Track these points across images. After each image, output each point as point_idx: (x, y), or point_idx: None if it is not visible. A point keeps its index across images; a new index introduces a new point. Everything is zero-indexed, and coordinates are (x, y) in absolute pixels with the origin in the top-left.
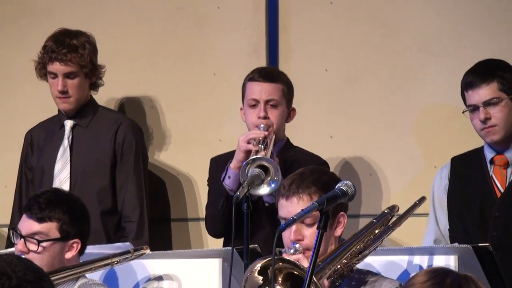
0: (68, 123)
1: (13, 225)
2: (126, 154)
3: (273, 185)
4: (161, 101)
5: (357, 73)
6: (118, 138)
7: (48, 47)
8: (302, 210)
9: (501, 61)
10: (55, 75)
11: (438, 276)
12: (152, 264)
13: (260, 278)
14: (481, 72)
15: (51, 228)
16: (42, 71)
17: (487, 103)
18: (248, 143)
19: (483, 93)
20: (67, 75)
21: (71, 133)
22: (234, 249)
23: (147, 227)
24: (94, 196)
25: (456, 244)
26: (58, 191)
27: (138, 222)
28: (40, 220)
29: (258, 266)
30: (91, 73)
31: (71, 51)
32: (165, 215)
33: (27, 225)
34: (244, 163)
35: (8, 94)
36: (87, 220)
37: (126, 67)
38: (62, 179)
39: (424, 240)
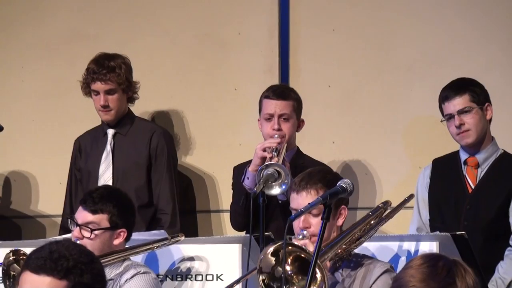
0: (110, 132)
1: (64, 215)
2: (159, 157)
3: (283, 187)
4: (189, 112)
5: (355, 88)
6: (152, 144)
7: (91, 69)
8: (309, 203)
9: (472, 79)
10: (97, 92)
11: (432, 260)
12: (184, 248)
13: (273, 259)
14: (455, 87)
15: (102, 219)
16: (87, 90)
17: (461, 112)
18: (264, 150)
19: (457, 103)
20: (107, 92)
21: (112, 140)
22: (252, 236)
23: (179, 218)
24: (132, 193)
25: (437, 233)
26: (110, 188)
27: (171, 214)
28: (94, 212)
29: (271, 249)
30: (128, 89)
31: (109, 71)
32: (192, 207)
33: (82, 215)
34: (259, 168)
35: (62, 108)
36: (133, 213)
37: (160, 83)
38: (106, 178)
39: (409, 229)
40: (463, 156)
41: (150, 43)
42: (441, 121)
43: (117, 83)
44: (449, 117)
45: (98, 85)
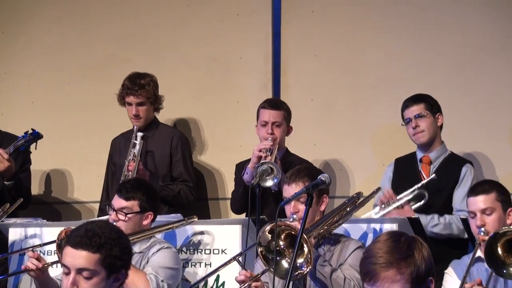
0: (139, 134)
1: (101, 202)
2: (178, 153)
3: (275, 180)
4: (201, 120)
5: (333, 101)
6: (173, 144)
7: (125, 85)
8: (295, 192)
9: (428, 94)
10: (130, 104)
11: (396, 236)
12: (197, 228)
13: (269, 236)
14: (414, 98)
15: (134, 204)
16: (122, 101)
17: (417, 116)
18: (260, 151)
19: (415, 109)
20: (139, 104)
21: (141, 141)
22: (250, 219)
23: (196, 203)
24: (154, 178)
25: (396, 216)
26: (139, 179)
27: (187, 178)
28: (127, 199)
29: (268, 227)
30: (154, 102)
31: (140, 88)
32: (205, 196)
33: (118, 202)
34: (256, 165)
35: (100, 116)
36: (158, 199)
37: (179, 97)
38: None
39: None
40: (419, 154)
41: (172, 65)
42: (402, 124)
43: (146, 97)
44: (408, 121)
45: (131, 99)
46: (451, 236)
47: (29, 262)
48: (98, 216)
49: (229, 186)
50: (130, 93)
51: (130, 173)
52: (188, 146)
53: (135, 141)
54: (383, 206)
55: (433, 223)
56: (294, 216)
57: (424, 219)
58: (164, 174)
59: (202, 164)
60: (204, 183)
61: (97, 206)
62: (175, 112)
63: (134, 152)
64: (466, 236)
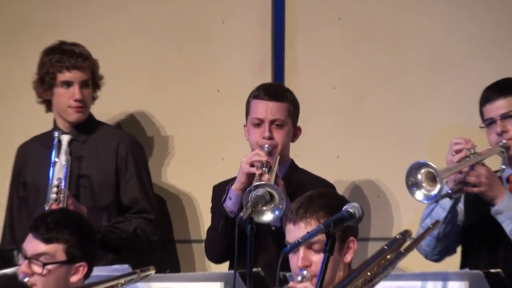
0: (65, 138)
1: (2, 246)
2: (129, 171)
3: (277, 213)
4: (163, 118)
5: (365, 90)
6: (120, 154)
7: (58, 58)
8: (308, 232)
9: None
10: (69, 84)
11: None
12: (154, 286)
13: None
14: (500, 87)
15: (57, 250)
16: (47, 84)
17: (504, 116)
18: (252, 165)
19: (501, 104)
20: (83, 84)
21: (68, 149)
22: (237, 273)
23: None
24: (96, 215)
25: (467, 270)
26: (67, 211)
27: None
28: (47, 241)
29: None
30: (97, 84)
31: (85, 59)
32: (169, 235)
33: (33, 245)
34: (247, 190)
35: (4, 111)
36: (95, 243)
37: (126, 82)
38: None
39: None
40: (508, 172)
41: (112, 34)
42: (480, 127)
43: (92, 73)
44: (490, 122)
45: (73, 74)
46: None
47: None
48: None
49: (206, 221)
50: (72, 66)
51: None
52: (144, 157)
53: (60, 151)
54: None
55: None
56: (304, 272)
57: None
58: (107, 203)
59: (164, 186)
60: (167, 217)
61: None
62: (121, 105)
63: (60, 176)
64: None
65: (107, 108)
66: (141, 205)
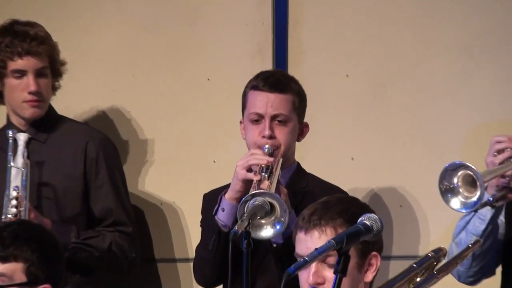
0: (22, 137)
1: None
2: (100, 175)
3: (278, 227)
4: (141, 112)
5: (386, 80)
6: (89, 155)
7: (8, 42)
8: (316, 249)
9: None
10: (22, 74)
11: None
12: None
13: None
14: None
15: (16, 270)
16: None
17: None
18: (248, 170)
19: None
20: (39, 73)
21: (26, 150)
22: None
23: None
24: (63, 229)
25: None
26: (27, 223)
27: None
28: (3, 259)
29: None
30: (57, 72)
31: (41, 42)
32: (149, 254)
33: None
34: (242, 200)
35: None
36: (61, 261)
37: (97, 69)
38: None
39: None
40: None
41: (79, 10)
42: None
43: (50, 60)
44: None
45: (26, 62)
46: None
47: None
48: None
49: (195, 236)
50: (20, 52)
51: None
52: (118, 159)
53: (16, 153)
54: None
55: None
56: None
57: None
58: (74, 215)
59: (143, 195)
60: (148, 231)
61: None
62: (91, 97)
63: (17, 184)
64: None
65: (72, 102)
66: (116, 216)
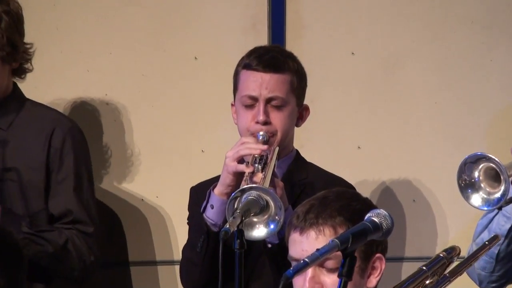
0: None
1: None
2: (64, 166)
3: (272, 226)
4: (120, 96)
5: (396, 58)
6: (54, 144)
7: None
8: (318, 249)
9: None
10: None
11: None
12: None
13: None
14: None
15: None
16: None
17: None
18: (240, 161)
19: None
20: None
21: None
22: None
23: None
24: (13, 217)
25: None
26: None
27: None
28: None
29: None
30: (10, 57)
31: None
32: (123, 256)
33: None
34: (230, 197)
35: None
36: (21, 265)
37: (70, 47)
38: None
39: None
40: None
41: None
42: None
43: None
44: None
45: None
46: None
47: None
48: None
49: (180, 236)
50: None
51: None
52: (86, 149)
53: None
54: None
55: None
56: None
57: None
58: (34, 208)
59: (121, 189)
60: (121, 233)
61: None
62: (62, 78)
63: None
64: None
65: (40, 83)
66: (75, 215)
